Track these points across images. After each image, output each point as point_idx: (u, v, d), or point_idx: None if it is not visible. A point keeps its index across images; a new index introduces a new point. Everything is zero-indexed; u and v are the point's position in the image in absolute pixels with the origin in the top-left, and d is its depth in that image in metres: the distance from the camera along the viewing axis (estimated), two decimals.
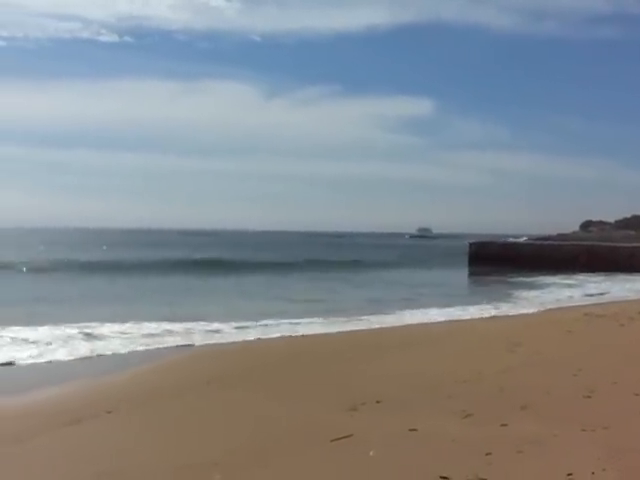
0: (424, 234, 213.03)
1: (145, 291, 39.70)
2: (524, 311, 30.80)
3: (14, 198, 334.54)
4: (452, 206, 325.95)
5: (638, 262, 61.83)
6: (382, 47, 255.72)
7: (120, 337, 21.39)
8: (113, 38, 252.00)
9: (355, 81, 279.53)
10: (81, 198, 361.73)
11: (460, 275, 61.09)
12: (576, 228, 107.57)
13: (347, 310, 29.19)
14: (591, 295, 41.21)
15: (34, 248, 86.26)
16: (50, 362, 17.46)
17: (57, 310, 27.20)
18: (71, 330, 21.81)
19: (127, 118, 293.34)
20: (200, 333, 22.62)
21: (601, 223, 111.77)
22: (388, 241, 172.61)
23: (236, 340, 21.49)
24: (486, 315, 29.20)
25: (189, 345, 20.47)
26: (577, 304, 34.49)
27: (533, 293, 41.39)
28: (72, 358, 18.11)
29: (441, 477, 7.64)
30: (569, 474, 7.62)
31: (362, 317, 27.26)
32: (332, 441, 9.28)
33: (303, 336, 22.32)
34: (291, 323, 25.17)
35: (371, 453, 8.67)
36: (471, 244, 76.38)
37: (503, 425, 9.80)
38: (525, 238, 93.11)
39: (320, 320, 26.20)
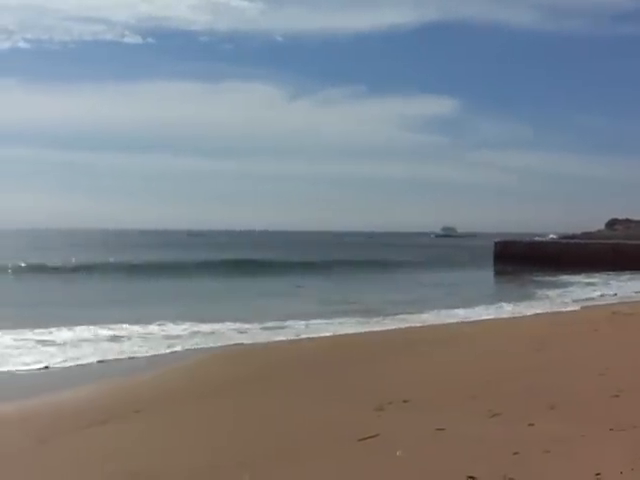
0: (449, 233, 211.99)
1: (170, 292, 39.92)
2: (550, 310, 30.68)
3: (37, 200, 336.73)
4: (476, 205, 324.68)
5: None
6: (405, 47, 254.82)
7: (147, 338, 21.52)
8: (137, 40, 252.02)
9: (378, 81, 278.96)
10: (104, 200, 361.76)
11: (486, 274, 60.93)
12: (601, 226, 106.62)
13: (373, 310, 29.20)
14: (617, 294, 40.95)
15: (57, 250, 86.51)
16: (81, 365, 17.55)
17: (84, 312, 27.31)
18: (99, 331, 21.99)
19: (151, 120, 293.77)
20: (226, 334, 22.70)
21: (627, 221, 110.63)
22: (413, 241, 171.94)
23: (263, 341, 21.53)
24: (512, 314, 29.12)
25: (216, 346, 20.53)
26: (604, 303, 34.32)
27: (559, 292, 41.19)
28: (99, 359, 18.20)
29: (469, 477, 7.62)
30: (597, 474, 7.58)
31: (388, 317, 27.29)
32: (359, 441, 9.29)
33: (329, 336, 22.33)
34: (318, 324, 25.20)
35: (398, 453, 8.67)
36: (496, 243, 76.17)
37: (530, 425, 9.77)
38: (553, 236, 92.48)
39: (346, 320, 26.23)
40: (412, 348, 19.01)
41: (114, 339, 21.17)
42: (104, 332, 21.96)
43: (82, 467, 8.93)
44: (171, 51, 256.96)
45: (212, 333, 22.69)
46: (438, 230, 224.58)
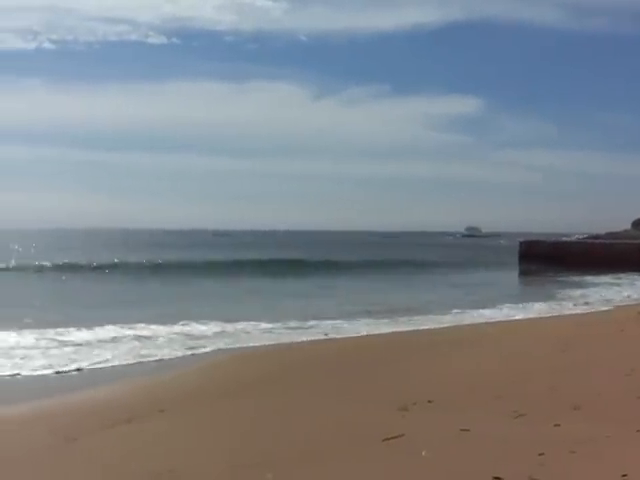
0: (473, 233, 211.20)
1: (195, 292, 40.03)
2: (575, 310, 30.55)
3: (60, 200, 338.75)
4: (501, 205, 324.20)
5: None
6: (430, 46, 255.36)
7: (171, 338, 21.59)
8: (161, 40, 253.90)
9: (403, 80, 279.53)
10: (127, 200, 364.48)
11: (510, 274, 60.66)
12: (627, 226, 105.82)
13: (397, 311, 29.13)
14: None
15: (81, 250, 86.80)
16: (105, 365, 17.62)
17: (108, 312, 27.37)
18: (123, 331, 22.08)
19: (176, 120, 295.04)
20: (250, 333, 22.75)
21: None
22: (437, 240, 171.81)
23: (287, 341, 21.56)
24: (537, 315, 29.02)
25: (239, 346, 20.57)
26: (629, 303, 34.11)
27: (584, 292, 40.96)
28: (122, 360, 18.27)
29: (494, 477, 7.59)
30: (624, 475, 7.53)
31: (413, 317, 27.23)
32: (383, 441, 9.28)
33: (353, 337, 22.33)
34: (342, 324, 25.22)
35: (423, 453, 8.65)
36: (521, 243, 75.86)
37: (556, 425, 9.72)
38: (578, 237, 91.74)
39: (371, 321, 26.20)
40: (436, 349, 18.98)
41: (138, 339, 21.25)
42: (128, 332, 22.04)
43: (106, 465, 8.97)
44: (196, 51, 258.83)
45: (236, 333, 22.74)
46: (462, 230, 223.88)
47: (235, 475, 8.31)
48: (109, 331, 22.08)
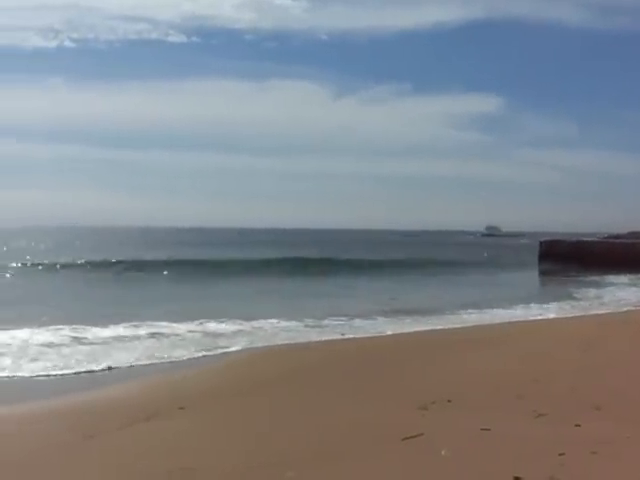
0: (493, 232, 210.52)
1: (214, 290, 40.05)
2: (596, 310, 30.38)
3: (81, 197, 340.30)
4: (521, 204, 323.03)
5: None
6: (451, 44, 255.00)
7: (189, 337, 21.62)
8: (181, 39, 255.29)
9: (424, 79, 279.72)
10: (147, 197, 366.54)
11: (530, 274, 60.40)
12: None
13: (418, 310, 29.03)
14: None
15: (102, 247, 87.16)
16: (123, 363, 17.63)
17: (131, 310, 27.39)
18: (142, 330, 22.15)
19: (195, 118, 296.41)
20: (269, 332, 22.73)
21: None
22: (458, 239, 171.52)
23: (307, 340, 21.53)
24: (557, 314, 28.88)
25: (258, 344, 20.56)
26: None
27: (604, 292, 40.74)
28: (141, 358, 18.28)
29: (514, 477, 7.55)
30: None
31: (433, 317, 27.13)
32: (403, 440, 9.25)
33: (373, 336, 22.28)
34: (362, 323, 25.16)
35: (443, 452, 8.62)
36: (541, 242, 75.57)
37: (576, 425, 9.67)
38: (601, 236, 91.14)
39: (391, 320, 26.13)
40: (456, 348, 18.90)
41: (156, 336, 21.32)
42: (146, 330, 22.10)
43: (121, 463, 8.95)
44: (216, 50, 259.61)
45: (255, 331, 22.73)
46: (482, 229, 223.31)
47: (255, 473, 8.29)
48: (127, 329, 22.13)
